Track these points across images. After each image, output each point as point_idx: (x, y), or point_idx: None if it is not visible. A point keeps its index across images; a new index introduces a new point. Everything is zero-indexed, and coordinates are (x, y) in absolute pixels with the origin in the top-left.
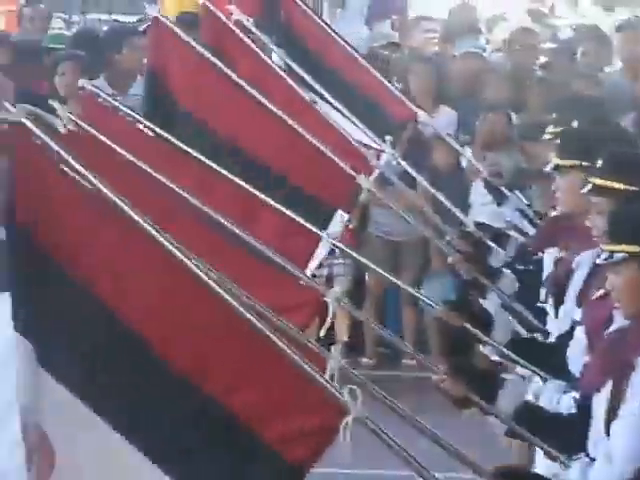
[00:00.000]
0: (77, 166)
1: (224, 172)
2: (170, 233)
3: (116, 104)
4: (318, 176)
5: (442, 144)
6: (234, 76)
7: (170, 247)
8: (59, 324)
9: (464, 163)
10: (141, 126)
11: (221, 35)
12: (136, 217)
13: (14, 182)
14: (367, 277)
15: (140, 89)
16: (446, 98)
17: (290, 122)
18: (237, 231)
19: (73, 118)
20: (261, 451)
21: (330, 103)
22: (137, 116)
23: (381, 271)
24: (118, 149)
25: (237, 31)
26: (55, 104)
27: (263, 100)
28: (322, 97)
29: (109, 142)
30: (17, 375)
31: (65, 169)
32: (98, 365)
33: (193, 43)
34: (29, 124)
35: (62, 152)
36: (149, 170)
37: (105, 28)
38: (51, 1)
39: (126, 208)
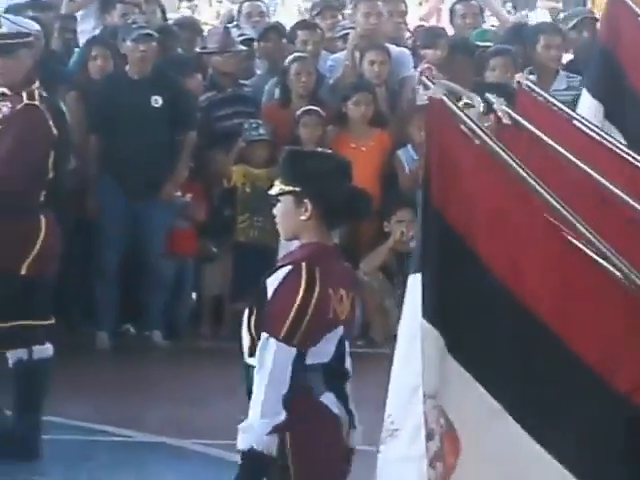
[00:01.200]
0: (494, 145)
1: None
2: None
3: (552, 99)
4: None
5: None
6: None
7: (594, 246)
8: (468, 311)
9: None
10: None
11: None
12: (557, 205)
13: (429, 161)
14: None
15: (561, 84)
16: None
17: None
18: None
19: (507, 110)
20: None
21: None
22: (572, 112)
23: None
24: (553, 143)
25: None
26: (492, 97)
27: None
28: None
29: (543, 136)
30: (422, 360)
31: (481, 146)
32: (507, 356)
33: None
34: (447, 101)
35: (479, 130)
36: (584, 167)
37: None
38: None
39: (545, 193)
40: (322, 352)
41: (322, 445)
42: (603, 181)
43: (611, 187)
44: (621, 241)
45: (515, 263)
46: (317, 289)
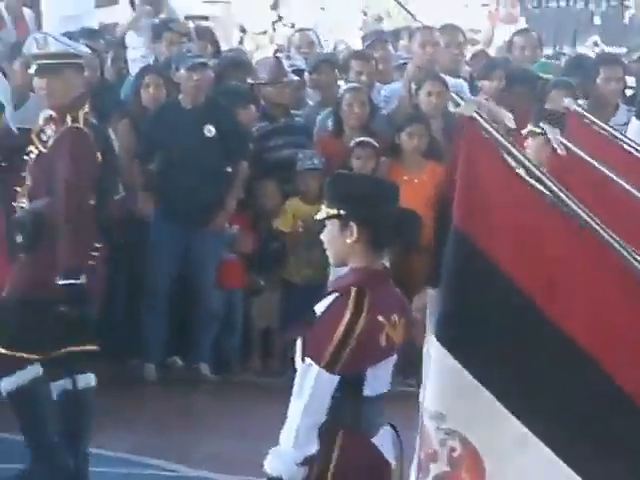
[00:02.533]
0: (528, 163)
1: None
2: None
3: (603, 124)
4: None
5: None
6: None
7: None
8: (498, 335)
9: None
10: (627, 147)
11: None
12: (598, 229)
13: (458, 181)
14: None
15: (622, 118)
16: None
17: None
18: None
19: (560, 139)
20: None
21: None
22: (625, 137)
23: None
24: (599, 166)
25: None
26: (546, 127)
27: None
28: None
29: (589, 159)
30: (427, 377)
31: (515, 167)
32: (540, 381)
33: None
34: (479, 118)
35: (512, 149)
36: (633, 191)
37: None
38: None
39: (585, 216)
40: (380, 382)
41: None
42: None
43: None
44: None
45: (551, 286)
46: (364, 315)
